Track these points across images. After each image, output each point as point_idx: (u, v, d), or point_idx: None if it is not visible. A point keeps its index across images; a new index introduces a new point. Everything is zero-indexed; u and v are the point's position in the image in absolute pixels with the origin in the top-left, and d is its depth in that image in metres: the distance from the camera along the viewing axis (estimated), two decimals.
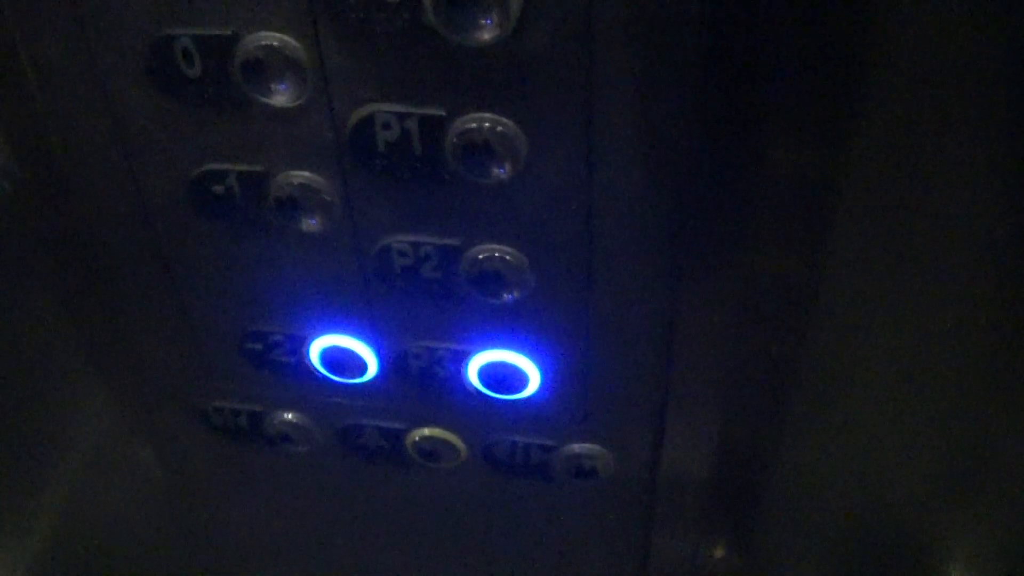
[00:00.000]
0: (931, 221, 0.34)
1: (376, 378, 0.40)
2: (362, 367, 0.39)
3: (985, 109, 0.31)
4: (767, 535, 0.49)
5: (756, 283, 0.37)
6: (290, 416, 0.43)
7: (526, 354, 0.38)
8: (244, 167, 0.35)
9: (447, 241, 0.35)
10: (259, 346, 0.40)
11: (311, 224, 0.35)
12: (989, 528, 0.46)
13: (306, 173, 0.35)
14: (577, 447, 0.41)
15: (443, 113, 0.32)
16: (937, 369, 0.39)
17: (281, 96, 0.33)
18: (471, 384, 0.39)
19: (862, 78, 0.31)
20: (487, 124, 0.32)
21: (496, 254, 0.35)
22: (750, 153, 0.33)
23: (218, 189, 0.35)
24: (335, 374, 0.40)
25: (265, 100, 0.33)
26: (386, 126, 0.33)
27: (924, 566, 0.48)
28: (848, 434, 0.43)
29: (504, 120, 0.32)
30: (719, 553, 0.50)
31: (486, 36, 0.30)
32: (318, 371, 0.40)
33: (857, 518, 0.47)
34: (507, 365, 0.38)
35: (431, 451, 0.43)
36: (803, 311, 0.38)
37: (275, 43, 0.32)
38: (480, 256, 0.35)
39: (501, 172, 0.33)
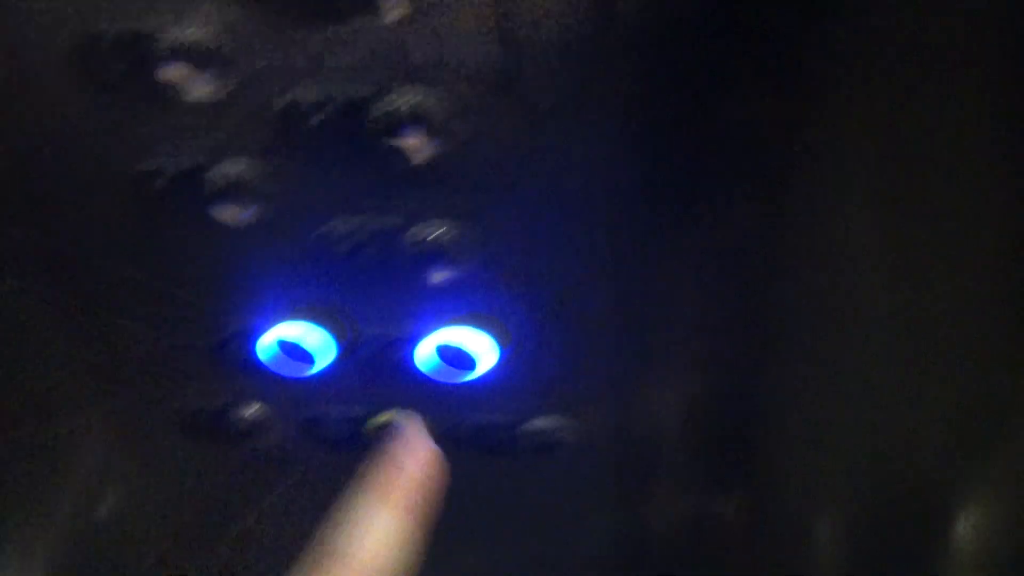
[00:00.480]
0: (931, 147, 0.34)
1: (330, 367, 0.40)
2: (312, 356, 0.39)
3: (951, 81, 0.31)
4: (767, 486, 0.48)
5: (728, 225, 0.36)
6: (253, 410, 0.43)
7: (479, 331, 0.37)
8: (176, 164, 0.35)
9: (387, 222, 0.35)
10: (212, 342, 0.40)
11: (247, 216, 0.35)
12: (1005, 475, 0.45)
13: (238, 165, 0.34)
14: (539, 421, 0.41)
15: (369, 93, 0.32)
16: (946, 310, 0.38)
17: (204, 88, 0.32)
18: (425, 365, 0.39)
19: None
20: (418, 98, 0.32)
21: (439, 231, 0.35)
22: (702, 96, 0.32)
23: (154, 187, 0.35)
24: (287, 365, 0.40)
25: (189, 94, 0.32)
26: (312, 110, 0.33)
27: (940, 515, 0.47)
28: (846, 379, 0.42)
29: (433, 93, 0.32)
30: (720, 508, 0.50)
31: (399, 12, 0.30)
32: (273, 363, 0.40)
33: (863, 465, 0.46)
34: (460, 344, 0.38)
35: None
36: (787, 249, 0.37)
37: (195, 36, 0.31)
38: (422, 235, 0.35)
39: (433, 147, 0.32)
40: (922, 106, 0.32)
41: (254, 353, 0.39)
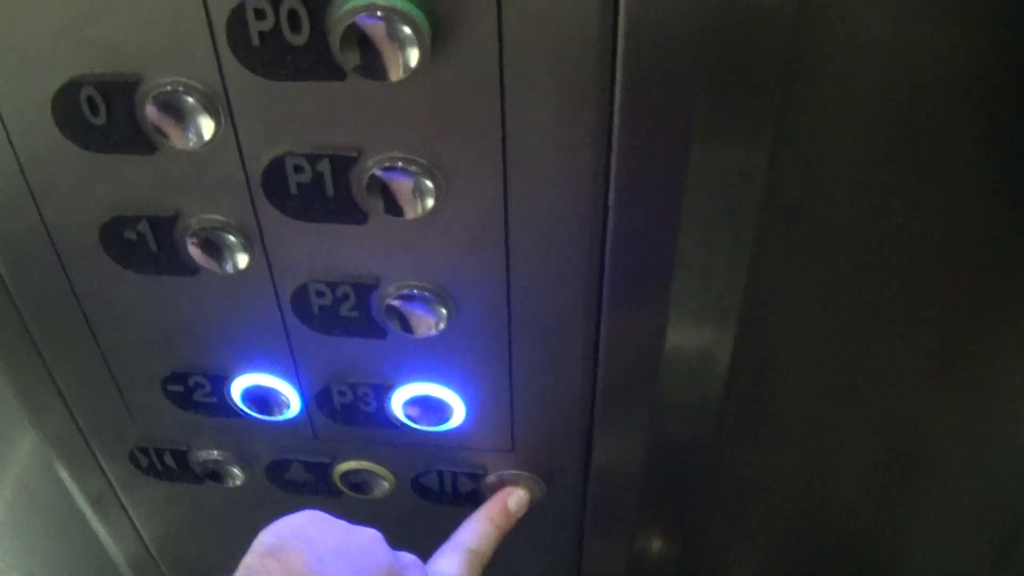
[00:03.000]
0: (859, 217, 0.34)
1: (300, 415, 0.40)
2: (285, 405, 0.39)
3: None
4: (702, 531, 0.49)
5: (683, 295, 0.37)
6: (216, 454, 0.43)
7: (450, 386, 0.38)
8: (154, 212, 0.34)
9: (364, 280, 0.35)
10: (180, 388, 0.40)
11: (226, 267, 0.35)
12: (925, 524, 0.46)
13: (219, 216, 0.34)
14: (506, 475, 0.41)
15: (355, 154, 0.32)
16: (871, 369, 0.39)
17: (189, 139, 0.32)
18: (396, 417, 0.39)
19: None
20: (400, 163, 0.32)
21: (414, 291, 0.35)
22: (669, 170, 0.33)
23: (130, 235, 0.35)
24: (258, 412, 0.40)
25: (172, 143, 0.32)
26: (298, 169, 0.32)
27: (863, 558, 0.49)
28: (781, 433, 0.43)
29: (417, 158, 0.32)
30: (656, 548, 0.51)
31: (394, 75, 0.29)
32: (241, 410, 0.40)
33: (793, 511, 0.48)
34: (431, 398, 0.38)
35: (359, 483, 0.43)
36: (734, 318, 0.38)
37: (180, 87, 0.31)
38: (397, 293, 0.35)
39: (415, 211, 0.32)
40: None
41: (228, 399, 0.40)
